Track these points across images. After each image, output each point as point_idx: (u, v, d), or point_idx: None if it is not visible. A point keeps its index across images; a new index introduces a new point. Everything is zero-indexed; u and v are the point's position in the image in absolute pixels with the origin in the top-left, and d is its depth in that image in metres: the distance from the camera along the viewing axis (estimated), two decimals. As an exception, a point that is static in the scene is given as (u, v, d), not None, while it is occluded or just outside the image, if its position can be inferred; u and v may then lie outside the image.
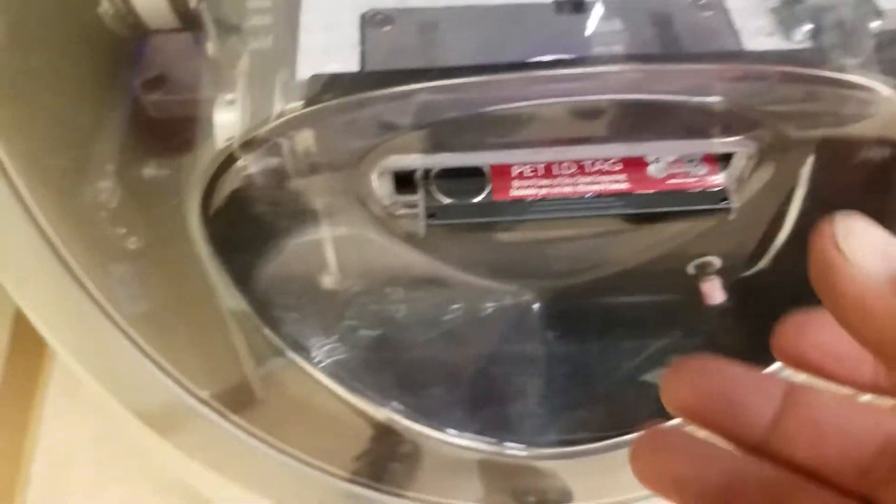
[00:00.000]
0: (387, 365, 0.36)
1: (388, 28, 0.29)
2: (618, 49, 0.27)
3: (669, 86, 0.25)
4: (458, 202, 0.26)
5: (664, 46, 0.29)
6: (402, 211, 0.28)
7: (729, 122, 0.27)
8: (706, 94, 0.26)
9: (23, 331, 0.71)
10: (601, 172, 0.26)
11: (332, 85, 0.25)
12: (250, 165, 0.25)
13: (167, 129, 0.33)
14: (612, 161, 0.27)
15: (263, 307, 0.34)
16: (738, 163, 0.27)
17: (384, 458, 0.41)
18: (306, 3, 0.30)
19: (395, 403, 0.38)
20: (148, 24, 0.27)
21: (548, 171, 0.26)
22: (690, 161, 0.27)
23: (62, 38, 0.33)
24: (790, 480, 0.22)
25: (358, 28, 0.29)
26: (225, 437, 0.42)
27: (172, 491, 0.73)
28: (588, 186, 0.26)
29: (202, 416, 0.41)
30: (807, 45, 0.27)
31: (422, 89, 0.24)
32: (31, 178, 0.30)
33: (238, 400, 0.41)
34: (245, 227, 0.29)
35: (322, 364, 0.35)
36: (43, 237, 0.32)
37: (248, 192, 0.27)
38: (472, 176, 0.27)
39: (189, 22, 0.27)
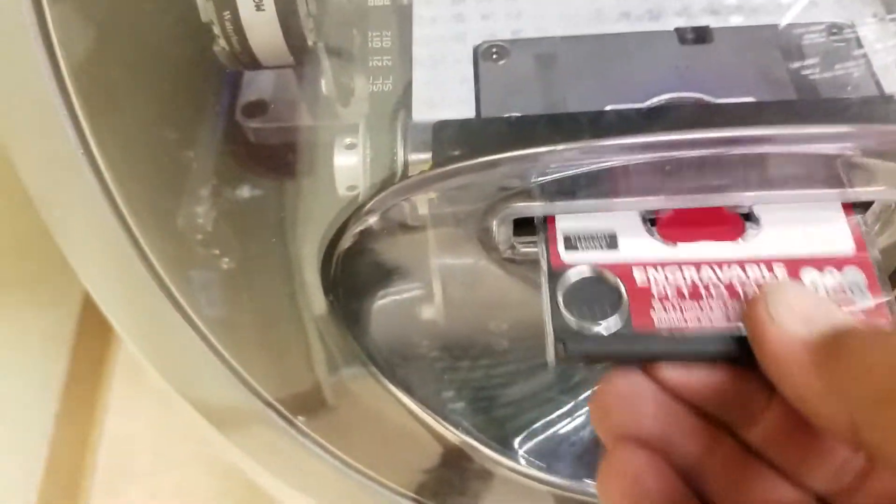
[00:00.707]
0: (482, 398, 0.36)
1: (503, 62, 0.28)
2: (754, 94, 0.26)
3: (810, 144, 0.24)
4: (592, 325, 0.23)
5: (798, 88, 0.27)
6: (522, 251, 0.27)
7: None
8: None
9: (90, 319, 0.72)
10: None
11: (455, 138, 0.24)
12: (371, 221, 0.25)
13: (266, 155, 0.32)
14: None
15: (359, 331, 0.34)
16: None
17: (451, 481, 0.40)
18: (416, 31, 0.29)
19: (474, 429, 0.37)
20: (263, 63, 0.26)
21: (694, 292, 0.23)
22: (853, 288, 0.24)
23: (154, 53, 0.32)
24: (755, 466, 0.22)
25: (470, 61, 0.28)
26: (286, 441, 0.42)
27: (229, 476, 0.74)
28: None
29: (266, 420, 0.41)
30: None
31: (552, 151, 0.23)
32: (127, 189, 0.29)
33: (305, 406, 0.41)
34: (355, 273, 0.28)
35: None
36: (134, 244, 0.31)
37: (363, 243, 0.26)
38: (606, 294, 0.24)
39: (303, 59, 0.26)
